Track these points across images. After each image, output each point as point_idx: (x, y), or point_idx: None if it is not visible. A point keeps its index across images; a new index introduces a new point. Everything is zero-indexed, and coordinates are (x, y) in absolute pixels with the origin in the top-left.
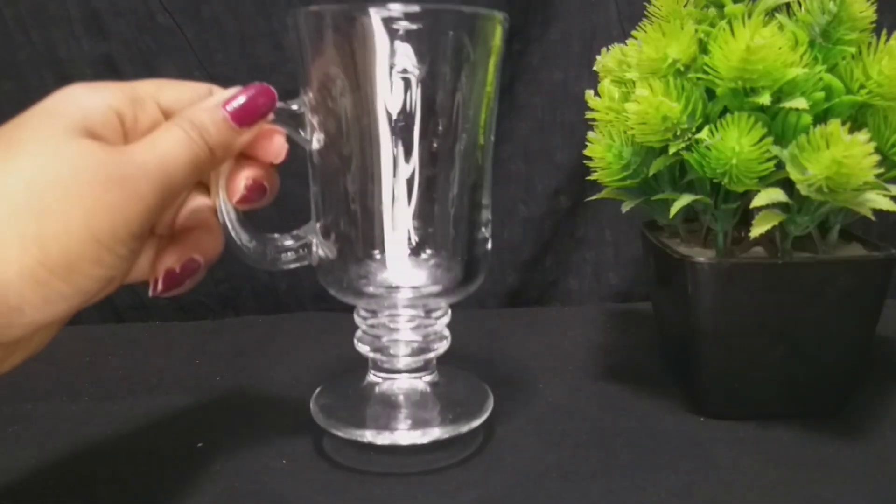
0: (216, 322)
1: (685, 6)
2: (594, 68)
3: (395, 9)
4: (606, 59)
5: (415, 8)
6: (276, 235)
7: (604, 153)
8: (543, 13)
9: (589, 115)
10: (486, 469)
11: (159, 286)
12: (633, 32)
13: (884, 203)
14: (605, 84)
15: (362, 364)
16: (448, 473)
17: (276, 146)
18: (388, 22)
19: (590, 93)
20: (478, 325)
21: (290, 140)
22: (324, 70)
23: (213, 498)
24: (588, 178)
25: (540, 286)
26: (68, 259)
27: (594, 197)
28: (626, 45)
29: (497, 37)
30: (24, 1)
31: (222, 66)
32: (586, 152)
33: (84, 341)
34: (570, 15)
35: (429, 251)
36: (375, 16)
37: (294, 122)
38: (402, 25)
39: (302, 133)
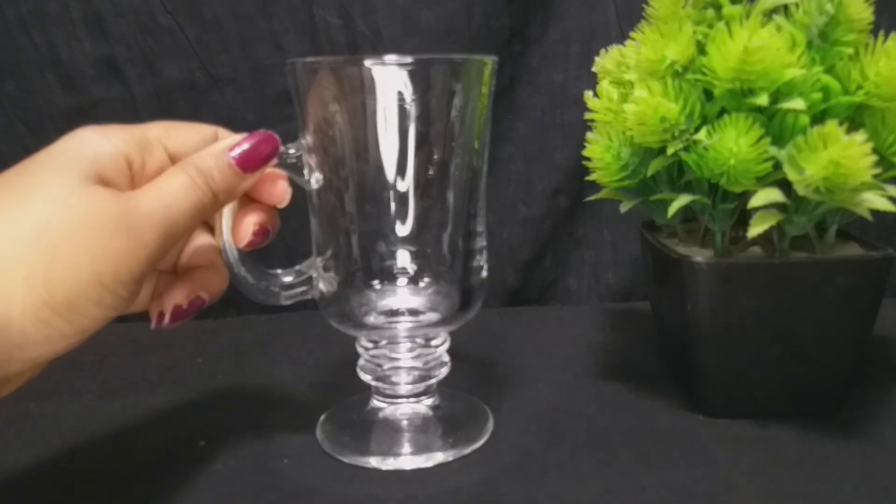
0: (218, 321)
1: (683, 7)
2: (593, 69)
3: (390, 59)
4: (605, 61)
5: (408, 58)
6: (279, 271)
7: (602, 154)
8: (543, 14)
9: (588, 115)
10: (485, 467)
11: (166, 320)
12: (632, 34)
13: (881, 203)
14: (604, 85)
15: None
16: (448, 472)
17: (280, 191)
18: (383, 70)
19: (588, 94)
20: (477, 324)
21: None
22: (320, 114)
23: (215, 496)
24: (587, 178)
25: (539, 286)
26: (71, 300)
27: (593, 197)
28: (625, 46)
29: (487, 77)
30: (26, 1)
31: (223, 66)
32: (585, 153)
33: (86, 340)
34: (570, 16)
35: (426, 279)
36: (371, 65)
37: (293, 164)
38: (397, 73)
39: (301, 175)
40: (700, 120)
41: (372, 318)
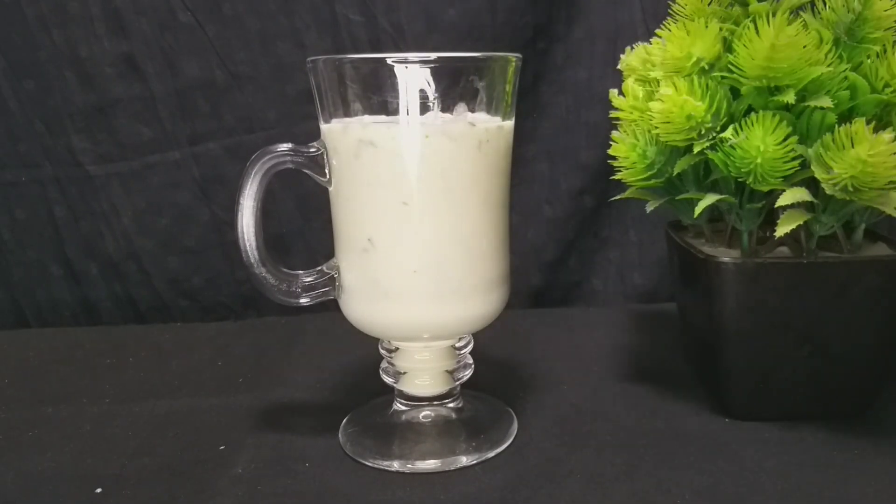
0: (238, 323)
1: (709, 4)
2: (618, 67)
3: (412, 56)
4: (631, 58)
5: (430, 56)
6: (301, 272)
7: (628, 152)
8: (567, 11)
9: (613, 114)
10: (509, 470)
11: None
12: (658, 31)
13: None
14: (630, 83)
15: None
16: (471, 475)
17: None
18: (405, 68)
19: (614, 92)
20: (501, 325)
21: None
22: (342, 113)
23: (235, 500)
24: (612, 177)
25: (564, 286)
26: None
27: (618, 197)
28: (651, 43)
29: (510, 75)
30: (46, 0)
31: (244, 64)
32: (610, 152)
33: (105, 343)
34: (595, 13)
35: (448, 283)
36: (393, 63)
37: (314, 164)
38: (419, 70)
39: (323, 174)
40: (727, 118)
41: (391, 321)
